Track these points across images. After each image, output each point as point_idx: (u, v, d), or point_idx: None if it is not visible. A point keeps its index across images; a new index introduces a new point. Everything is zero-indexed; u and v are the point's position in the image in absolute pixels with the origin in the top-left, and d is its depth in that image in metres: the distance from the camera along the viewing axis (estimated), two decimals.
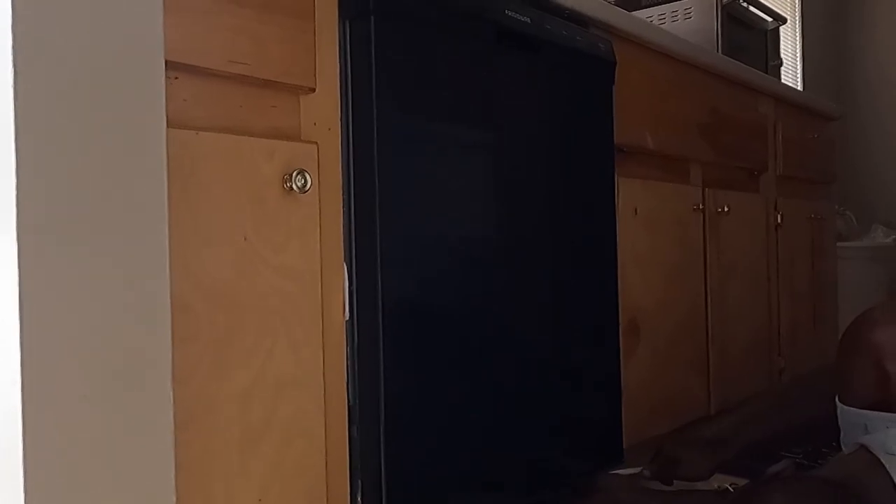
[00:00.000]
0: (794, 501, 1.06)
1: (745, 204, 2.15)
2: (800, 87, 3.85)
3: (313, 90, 0.97)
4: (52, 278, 0.68)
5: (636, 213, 1.63)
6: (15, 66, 0.66)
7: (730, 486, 1.38)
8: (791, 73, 3.88)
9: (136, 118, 0.75)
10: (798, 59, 3.97)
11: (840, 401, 1.32)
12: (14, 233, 0.66)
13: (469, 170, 1.18)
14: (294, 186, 0.92)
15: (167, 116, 0.77)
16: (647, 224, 1.68)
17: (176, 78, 0.83)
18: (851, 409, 1.25)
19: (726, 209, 2.00)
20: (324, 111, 0.98)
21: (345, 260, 1.00)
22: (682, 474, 1.39)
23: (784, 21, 2.81)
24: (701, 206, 1.90)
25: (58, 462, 0.68)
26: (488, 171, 1.22)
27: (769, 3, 3.27)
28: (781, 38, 2.90)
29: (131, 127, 0.75)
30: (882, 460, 1.12)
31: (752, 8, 2.61)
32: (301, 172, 0.93)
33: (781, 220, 2.34)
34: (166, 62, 0.78)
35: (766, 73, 2.57)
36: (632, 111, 1.61)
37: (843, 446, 1.34)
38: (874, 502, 1.08)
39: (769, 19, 2.72)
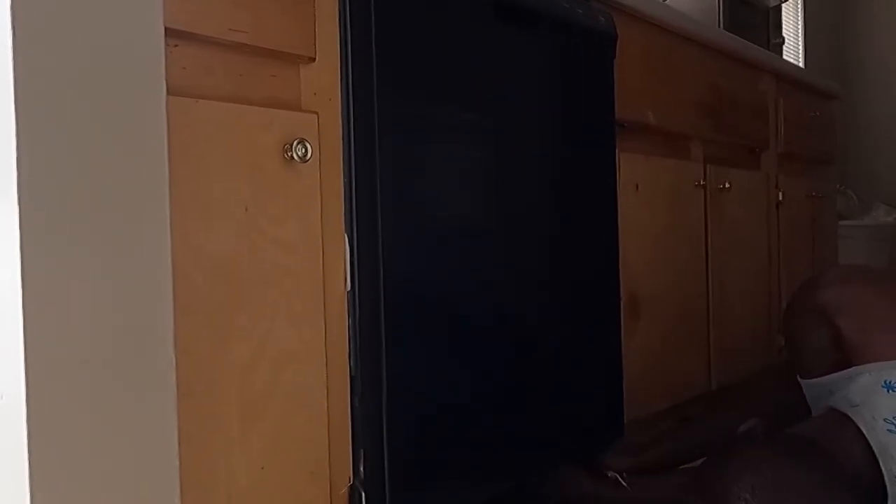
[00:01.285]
0: (761, 473, 1.06)
1: (747, 181, 2.14)
2: (801, 66, 3.84)
3: (313, 60, 0.97)
4: (53, 248, 0.68)
5: (637, 189, 1.63)
6: (14, 32, 0.66)
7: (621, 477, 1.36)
8: (793, 51, 3.86)
9: (135, 85, 0.75)
10: (800, 36, 3.95)
11: (801, 378, 1.32)
12: (15, 200, 0.66)
13: (469, 143, 1.18)
14: (294, 156, 0.92)
15: (167, 84, 0.77)
16: (649, 200, 1.67)
17: (176, 45, 0.82)
18: (813, 380, 1.24)
19: (727, 186, 1.99)
20: (324, 81, 0.98)
21: (345, 230, 0.99)
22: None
23: None
24: (702, 183, 1.89)
25: (61, 430, 0.68)
26: (488, 145, 1.21)
27: None
28: (783, 15, 2.89)
29: (131, 94, 0.74)
30: (849, 413, 1.12)
31: None
32: (301, 142, 0.92)
33: (782, 197, 2.33)
34: (166, 29, 0.77)
35: (768, 50, 2.56)
36: (633, 86, 1.60)
37: None
38: (845, 455, 1.08)
39: None
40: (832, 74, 3.79)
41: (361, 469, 1.00)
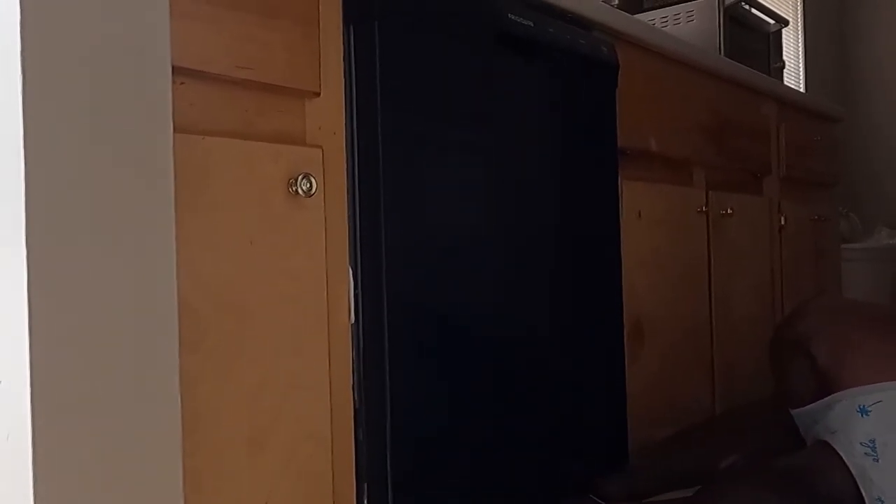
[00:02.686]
0: (748, 489, 1.07)
1: (749, 206, 2.15)
2: (802, 90, 3.85)
3: (318, 94, 0.98)
4: (59, 282, 0.69)
5: (640, 215, 1.63)
6: (24, 70, 0.67)
7: None
8: (794, 76, 3.88)
9: (143, 123, 0.76)
10: (800, 61, 3.97)
11: (790, 409, 1.33)
12: (23, 238, 0.67)
13: (473, 173, 1.19)
14: (299, 190, 0.93)
15: (174, 121, 0.78)
16: (651, 227, 1.68)
17: (182, 83, 0.83)
18: (800, 410, 1.25)
19: (730, 211, 2.00)
20: (329, 115, 0.99)
21: (350, 263, 1.00)
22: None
23: (786, 23, 2.81)
24: (705, 209, 1.90)
25: (66, 466, 0.68)
26: (492, 175, 1.22)
27: (771, 5, 3.27)
28: (784, 40, 2.91)
29: (138, 131, 0.75)
30: (828, 440, 1.12)
31: (753, 10, 2.62)
32: (306, 176, 0.93)
33: (785, 221, 2.34)
34: (173, 67, 0.78)
35: (769, 75, 2.57)
36: (635, 114, 1.61)
37: None
38: (825, 483, 1.10)
39: (771, 21, 2.72)
40: (833, 97, 3.81)
41: (365, 501, 1.00)
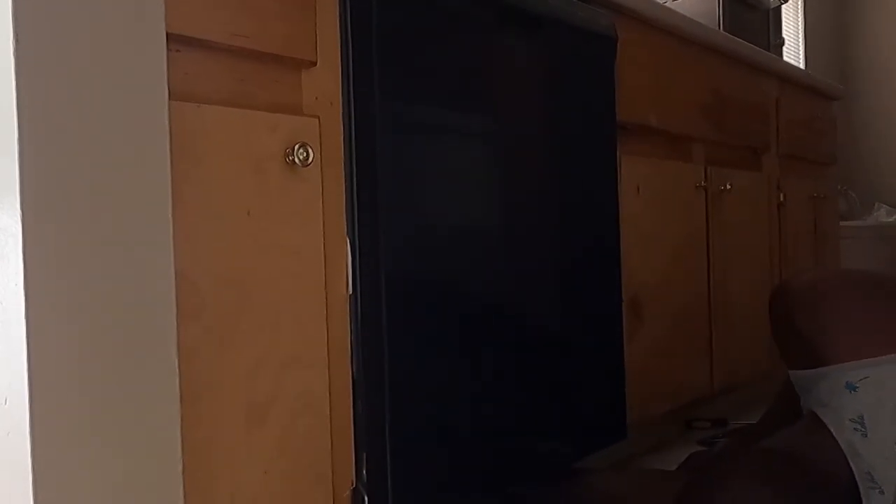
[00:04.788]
0: (743, 481, 1.09)
1: (748, 183, 2.14)
2: (802, 66, 3.84)
3: (314, 64, 0.97)
4: (54, 254, 0.68)
5: (638, 191, 1.63)
6: (16, 36, 0.66)
7: None
8: (793, 53, 3.86)
9: (137, 91, 0.75)
10: (800, 38, 3.95)
11: (789, 369, 1.34)
12: (18, 208, 0.66)
13: (470, 146, 1.18)
14: (296, 160, 0.92)
15: (169, 89, 0.77)
16: (650, 202, 1.67)
17: (178, 51, 0.82)
18: (795, 372, 1.26)
19: (729, 187, 1.99)
20: (325, 85, 0.98)
21: (347, 234, 1.00)
22: None
23: (786, 0, 2.79)
24: (703, 185, 1.89)
25: (64, 438, 0.68)
26: (489, 147, 1.22)
27: None
28: (783, 16, 2.89)
29: (133, 99, 0.74)
30: (820, 415, 1.14)
31: None
32: (303, 146, 0.92)
33: (784, 198, 2.33)
34: (168, 35, 0.77)
35: (769, 52, 2.56)
36: (634, 89, 1.60)
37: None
38: (818, 459, 1.11)
39: None
40: (833, 75, 3.79)
41: (364, 472, 1.00)
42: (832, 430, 1.11)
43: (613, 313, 1.50)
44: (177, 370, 0.77)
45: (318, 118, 0.97)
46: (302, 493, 0.94)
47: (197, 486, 0.82)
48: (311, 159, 0.93)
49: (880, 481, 1.07)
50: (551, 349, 1.33)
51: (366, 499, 1.00)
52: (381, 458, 1.00)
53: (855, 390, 1.12)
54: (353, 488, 1.00)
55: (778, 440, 1.20)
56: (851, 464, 1.08)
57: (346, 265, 0.99)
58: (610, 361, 1.49)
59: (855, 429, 1.10)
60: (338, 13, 0.99)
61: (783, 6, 2.79)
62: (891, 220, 3.52)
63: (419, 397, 1.06)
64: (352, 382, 1.00)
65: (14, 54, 0.66)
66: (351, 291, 1.00)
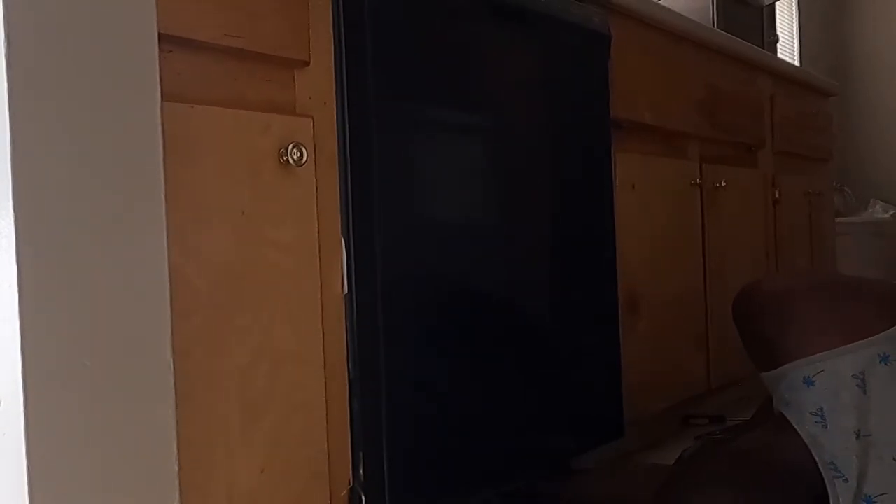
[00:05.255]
0: (709, 488, 1.13)
1: (743, 179, 2.15)
2: (797, 63, 3.84)
3: (307, 64, 0.97)
4: (48, 253, 0.68)
5: (634, 188, 1.63)
6: (7, 37, 0.66)
7: None
8: (788, 50, 3.86)
9: (129, 91, 0.75)
10: (795, 35, 3.96)
11: (758, 371, 1.36)
12: (11, 206, 0.66)
13: (464, 144, 1.18)
14: (290, 160, 0.92)
15: (161, 90, 0.77)
16: (645, 199, 1.67)
17: (170, 51, 0.83)
18: (762, 374, 1.29)
19: (724, 184, 1.99)
20: (319, 85, 0.98)
21: (342, 233, 1.00)
22: None
23: None
24: (699, 182, 1.90)
25: (60, 434, 0.68)
26: (484, 146, 1.22)
27: None
28: (778, 13, 2.90)
29: (125, 100, 0.74)
30: (784, 412, 1.17)
31: None
32: (297, 146, 0.93)
33: (779, 195, 2.33)
34: (160, 35, 0.77)
35: (763, 49, 2.57)
36: (628, 86, 1.60)
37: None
38: (784, 456, 1.14)
39: None
40: (828, 71, 3.80)
41: (361, 471, 1.00)
42: (795, 426, 1.14)
43: (609, 311, 1.50)
44: (172, 369, 0.77)
45: (312, 118, 0.97)
46: (299, 491, 0.94)
47: (193, 485, 0.82)
48: (304, 159, 0.93)
49: (843, 470, 1.09)
50: (548, 347, 1.33)
51: (363, 498, 1.00)
52: (377, 457, 1.00)
53: (812, 384, 1.15)
54: (350, 487, 1.00)
55: (746, 441, 1.25)
56: (815, 455, 1.11)
57: (342, 264, 1.00)
58: (607, 359, 1.49)
59: (816, 421, 1.13)
60: (331, 12, 0.99)
61: (777, 3, 2.80)
62: (886, 216, 3.52)
63: (415, 396, 1.06)
64: (348, 381, 1.00)
65: (5, 56, 0.66)
66: (346, 290, 1.00)
